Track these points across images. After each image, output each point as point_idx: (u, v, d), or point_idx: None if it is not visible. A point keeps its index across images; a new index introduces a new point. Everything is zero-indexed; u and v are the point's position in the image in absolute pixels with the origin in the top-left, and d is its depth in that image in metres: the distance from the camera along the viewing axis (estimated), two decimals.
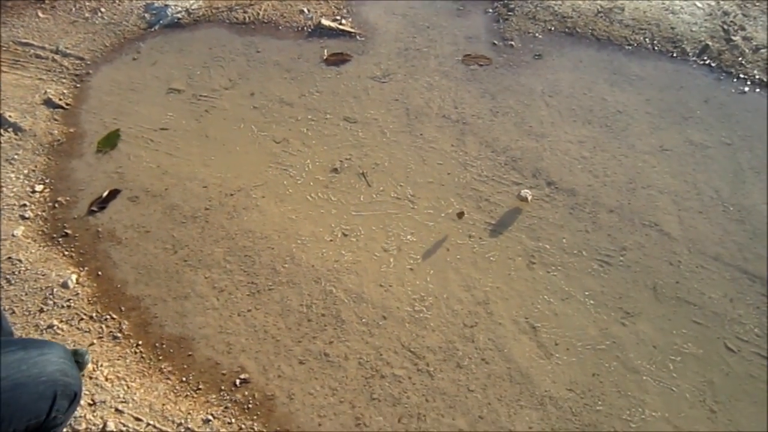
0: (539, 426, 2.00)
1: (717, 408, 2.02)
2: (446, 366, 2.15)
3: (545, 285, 2.36)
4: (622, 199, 2.60)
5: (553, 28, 3.43)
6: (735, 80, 3.11)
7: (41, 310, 2.35)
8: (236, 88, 3.25)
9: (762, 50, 3.19)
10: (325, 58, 3.38)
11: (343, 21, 3.56)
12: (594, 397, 2.06)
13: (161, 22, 3.67)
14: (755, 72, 3.11)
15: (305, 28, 3.58)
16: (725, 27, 3.32)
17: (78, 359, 2.11)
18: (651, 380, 2.09)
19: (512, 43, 3.37)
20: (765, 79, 3.08)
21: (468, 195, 2.65)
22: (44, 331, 2.28)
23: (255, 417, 2.05)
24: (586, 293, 2.32)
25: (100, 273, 2.50)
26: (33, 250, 2.56)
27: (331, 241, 2.54)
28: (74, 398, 1.57)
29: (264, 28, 3.61)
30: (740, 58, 3.17)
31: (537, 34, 3.41)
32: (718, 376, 2.09)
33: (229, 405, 2.09)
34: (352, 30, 3.51)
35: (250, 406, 2.08)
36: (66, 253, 2.58)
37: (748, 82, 3.08)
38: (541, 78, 3.17)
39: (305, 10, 3.64)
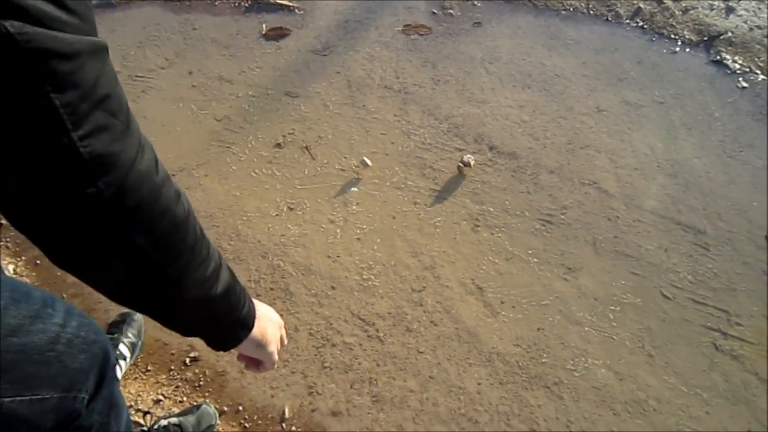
0: (488, 381, 2.05)
1: (654, 352, 2.11)
2: (396, 330, 2.18)
3: (490, 246, 2.40)
4: (561, 160, 2.67)
5: None
6: (666, 41, 3.20)
7: None
8: (173, 67, 3.17)
9: (691, 11, 3.29)
10: (264, 33, 3.32)
11: None
12: (539, 351, 2.13)
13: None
14: (685, 32, 3.21)
15: (242, 3, 3.50)
16: None
17: None
18: (593, 331, 2.17)
19: (451, 11, 3.38)
20: (694, 39, 3.19)
21: (412, 163, 2.67)
22: None
23: (207, 393, 2.04)
24: (530, 252, 2.38)
25: (38, 262, 2.42)
26: None
27: (276, 215, 2.52)
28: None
29: (200, 4, 3.52)
30: (671, 20, 3.27)
31: (476, 2, 3.43)
32: (655, 322, 2.19)
33: (180, 384, 2.07)
34: (291, 4, 3.45)
35: (201, 383, 2.07)
36: (2, 243, 2.49)
37: (679, 43, 3.18)
38: (481, 45, 3.20)
39: None
